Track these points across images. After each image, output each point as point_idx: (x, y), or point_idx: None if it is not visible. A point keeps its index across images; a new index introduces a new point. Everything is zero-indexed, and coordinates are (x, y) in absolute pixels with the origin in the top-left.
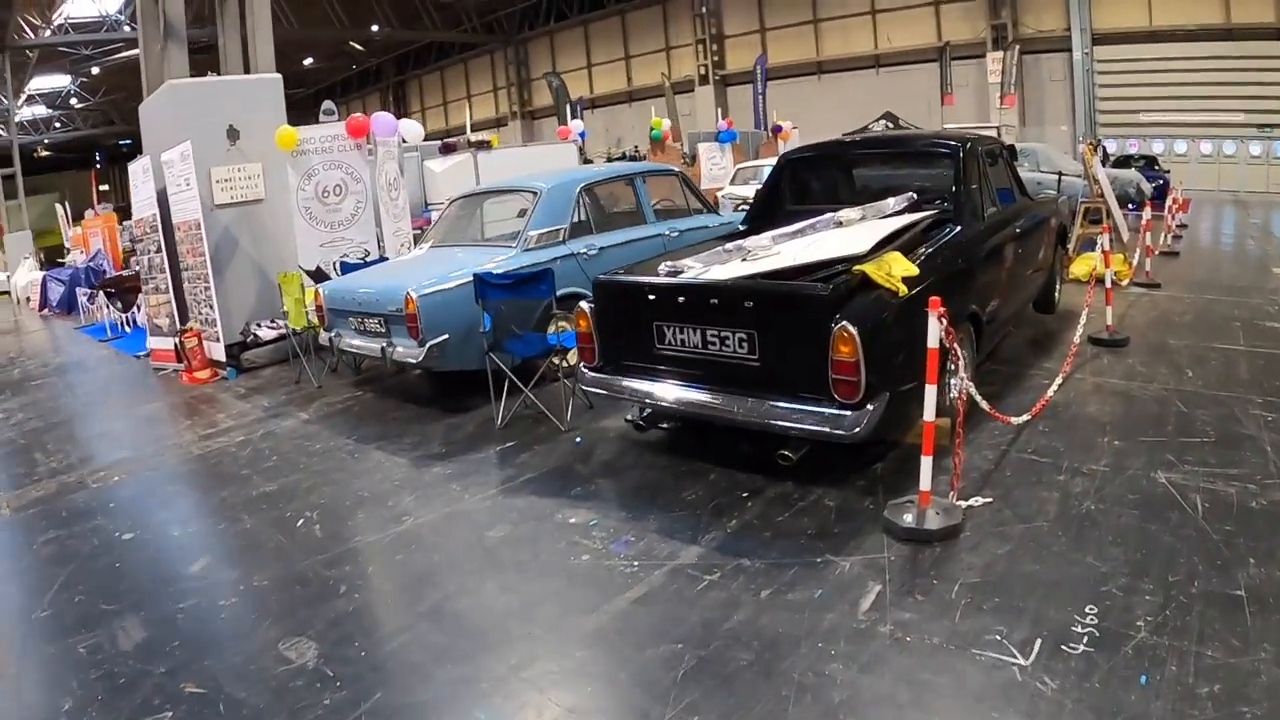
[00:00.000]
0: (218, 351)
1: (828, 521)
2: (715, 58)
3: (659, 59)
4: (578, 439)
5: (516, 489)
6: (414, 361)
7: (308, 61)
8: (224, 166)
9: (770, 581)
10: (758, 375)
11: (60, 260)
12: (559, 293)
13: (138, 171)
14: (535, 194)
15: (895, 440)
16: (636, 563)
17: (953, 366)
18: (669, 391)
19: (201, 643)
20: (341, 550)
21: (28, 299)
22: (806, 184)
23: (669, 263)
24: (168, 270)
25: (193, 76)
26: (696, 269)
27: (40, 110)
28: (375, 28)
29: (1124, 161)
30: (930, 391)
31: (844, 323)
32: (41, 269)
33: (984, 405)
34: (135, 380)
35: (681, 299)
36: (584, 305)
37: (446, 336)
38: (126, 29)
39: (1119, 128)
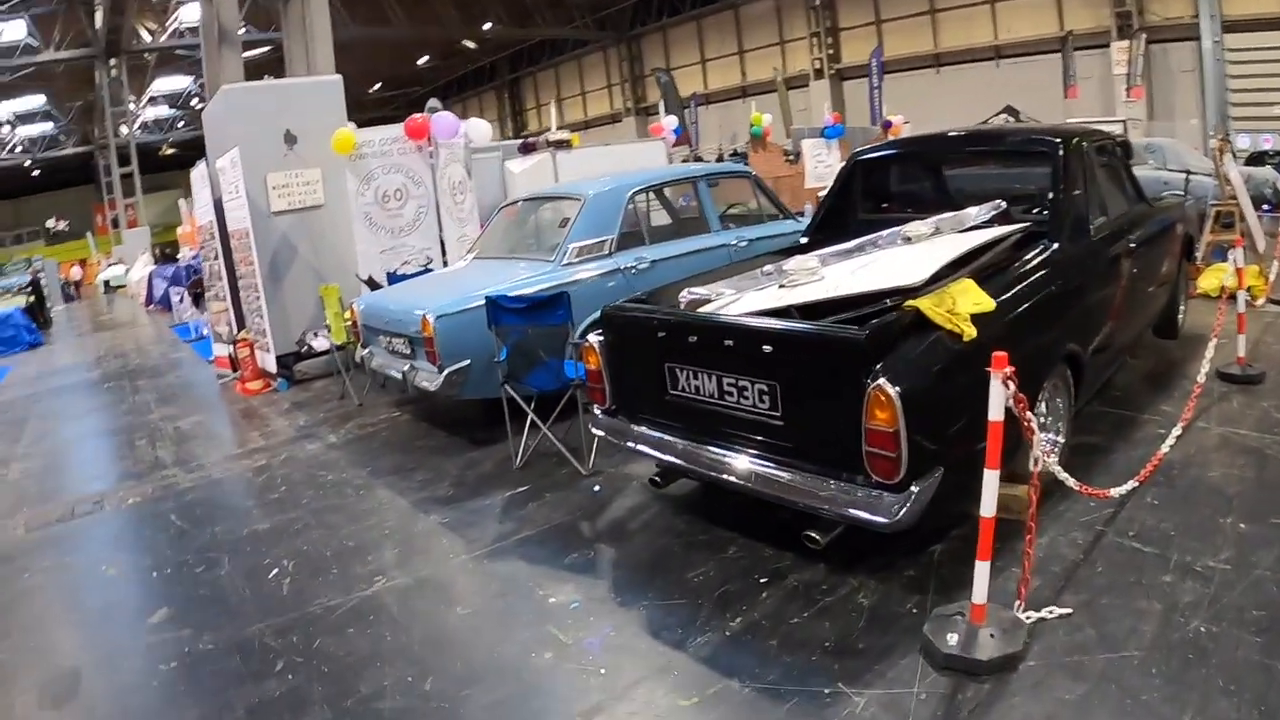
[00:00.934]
0: (270, 362)
1: (853, 630)
2: (830, 51)
3: (773, 53)
4: (596, 487)
5: (507, 550)
6: (432, 389)
7: (423, 60)
8: (281, 172)
9: None
10: (779, 436)
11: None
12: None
13: (198, 179)
14: (578, 201)
15: (965, 513)
16: (603, 670)
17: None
18: (679, 447)
19: (125, 716)
20: (297, 615)
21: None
22: (880, 189)
23: (692, 289)
24: (225, 278)
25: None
26: (725, 298)
27: (164, 110)
28: (487, 25)
29: (1257, 158)
30: (990, 480)
31: (881, 380)
32: (156, 265)
33: (1072, 484)
34: (196, 389)
35: (693, 338)
36: (593, 339)
37: (468, 363)
38: (240, 31)
39: (1252, 121)
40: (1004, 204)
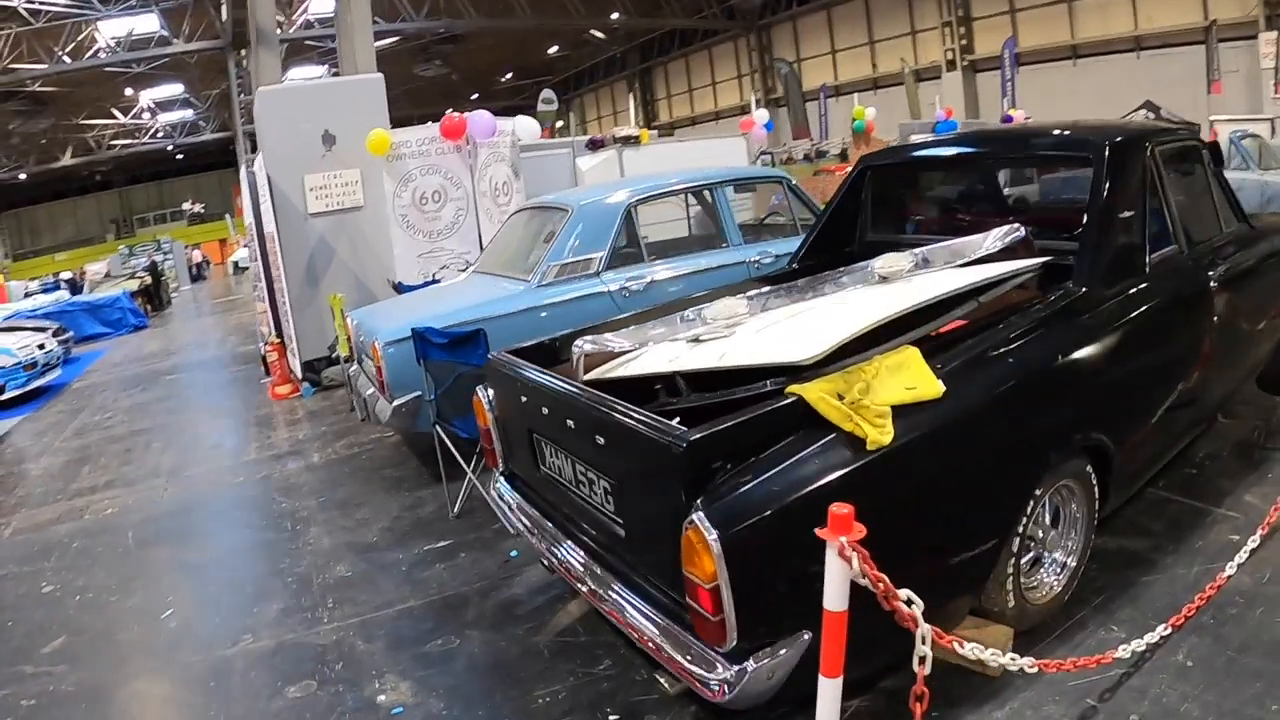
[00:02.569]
0: (298, 367)
1: None
2: (963, 41)
3: (904, 44)
4: (514, 552)
5: (381, 622)
6: (383, 421)
7: (552, 50)
8: (319, 174)
9: None
10: (622, 549)
11: None
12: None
13: (243, 179)
14: (565, 212)
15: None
16: None
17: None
18: (548, 530)
19: None
20: (148, 667)
21: None
22: (894, 203)
23: (591, 338)
24: (263, 280)
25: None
26: (629, 354)
27: None
28: (615, 15)
29: None
30: (829, 693)
31: (698, 518)
32: None
33: (1035, 667)
34: (236, 389)
35: (545, 409)
36: (480, 392)
37: (418, 394)
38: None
39: None
40: (1022, 230)
